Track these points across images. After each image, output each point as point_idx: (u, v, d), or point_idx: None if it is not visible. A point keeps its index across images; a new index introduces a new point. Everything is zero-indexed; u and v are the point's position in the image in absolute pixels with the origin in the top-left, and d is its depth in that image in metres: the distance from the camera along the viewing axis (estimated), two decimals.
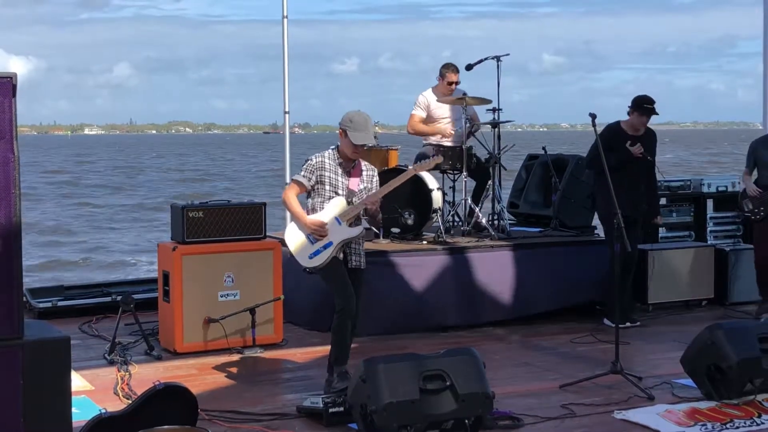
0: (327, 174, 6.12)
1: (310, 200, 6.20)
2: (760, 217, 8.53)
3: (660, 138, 8.50)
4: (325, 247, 6.07)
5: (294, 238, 6.15)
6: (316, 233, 6.05)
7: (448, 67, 9.33)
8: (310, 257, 6.09)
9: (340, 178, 6.15)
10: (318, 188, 6.15)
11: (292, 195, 6.19)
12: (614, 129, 8.17)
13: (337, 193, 6.12)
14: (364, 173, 6.24)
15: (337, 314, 6.11)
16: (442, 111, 9.38)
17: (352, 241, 6.18)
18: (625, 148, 8.02)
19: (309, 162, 6.17)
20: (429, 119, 9.40)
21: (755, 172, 8.69)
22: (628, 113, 8.18)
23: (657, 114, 8.16)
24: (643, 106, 8.08)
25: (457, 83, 9.29)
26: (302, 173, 6.16)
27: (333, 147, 6.23)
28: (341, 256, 6.14)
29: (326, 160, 6.15)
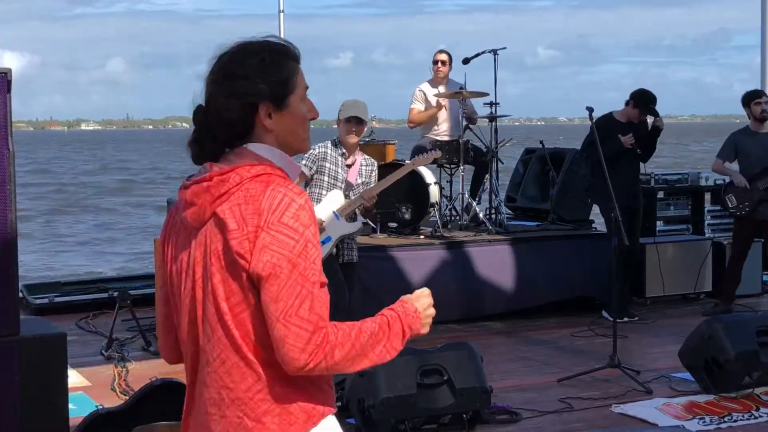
0: (327, 165, 6.12)
1: (308, 190, 6.19)
2: (745, 213, 8.24)
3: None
4: (324, 242, 6.05)
5: None
6: None
7: (438, 52, 9.40)
8: None
9: (339, 170, 6.14)
10: (317, 178, 6.14)
11: None
12: (606, 120, 8.11)
13: (335, 185, 6.11)
14: (364, 167, 6.23)
15: (331, 309, 6.09)
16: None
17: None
18: (616, 139, 7.97)
19: (311, 151, 6.15)
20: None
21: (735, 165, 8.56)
22: (627, 104, 8.16)
23: (658, 116, 8.14)
24: (648, 106, 8.04)
25: (443, 62, 9.31)
26: (303, 162, 6.15)
27: (335, 138, 6.22)
28: (334, 250, 6.12)
29: (328, 151, 6.14)
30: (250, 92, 2.22)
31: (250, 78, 2.22)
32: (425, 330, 2.31)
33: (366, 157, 6.32)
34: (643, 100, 8.08)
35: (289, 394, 2.19)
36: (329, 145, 6.16)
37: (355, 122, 6.08)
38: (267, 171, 2.20)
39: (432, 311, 2.33)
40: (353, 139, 6.14)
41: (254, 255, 2.12)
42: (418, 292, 2.35)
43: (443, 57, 9.35)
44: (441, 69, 9.32)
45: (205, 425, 2.25)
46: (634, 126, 8.12)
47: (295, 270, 2.13)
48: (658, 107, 8.14)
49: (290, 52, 2.29)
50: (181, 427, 2.37)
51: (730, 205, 8.33)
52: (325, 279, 2.23)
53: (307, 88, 2.32)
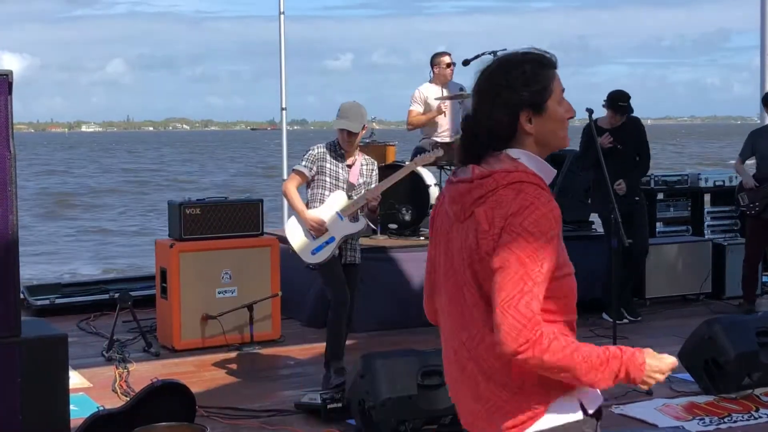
0: (327, 165, 6.13)
1: (309, 191, 6.20)
2: (755, 212, 8.34)
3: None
4: (328, 242, 6.07)
5: (295, 235, 6.13)
6: (315, 231, 6.05)
7: (439, 54, 9.36)
8: (313, 253, 6.08)
9: (340, 170, 6.15)
10: (318, 179, 6.15)
11: (292, 187, 6.18)
12: (589, 128, 8.13)
13: (337, 185, 6.12)
14: (364, 167, 6.25)
15: (332, 307, 6.11)
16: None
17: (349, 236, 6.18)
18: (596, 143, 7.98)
19: (310, 152, 6.17)
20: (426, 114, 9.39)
21: (753, 164, 8.60)
22: (603, 106, 8.20)
23: (631, 112, 8.16)
24: (617, 105, 8.08)
25: (448, 64, 9.27)
26: (303, 163, 6.16)
27: (334, 139, 6.23)
28: (336, 251, 6.13)
29: (327, 151, 6.15)
30: (512, 102, 2.43)
31: (512, 89, 2.43)
32: (643, 386, 2.42)
33: (366, 157, 6.34)
34: (611, 101, 8.14)
35: None
36: (327, 145, 6.17)
37: (347, 133, 6.10)
38: (522, 179, 2.41)
39: (660, 377, 2.42)
40: (348, 146, 6.16)
41: (495, 252, 2.35)
42: (664, 355, 2.45)
43: (449, 59, 9.30)
44: (447, 71, 9.27)
45: (473, 389, 2.49)
46: (614, 130, 8.14)
47: (522, 267, 2.31)
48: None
49: (548, 60, 2.50)
50: (450, 391, 2.62)
51: (741, 203, 8.48)
52: (568, 270, 2.44)
53: (563, 90, 2.50)
